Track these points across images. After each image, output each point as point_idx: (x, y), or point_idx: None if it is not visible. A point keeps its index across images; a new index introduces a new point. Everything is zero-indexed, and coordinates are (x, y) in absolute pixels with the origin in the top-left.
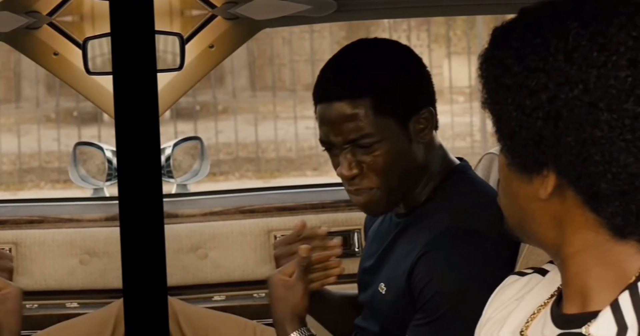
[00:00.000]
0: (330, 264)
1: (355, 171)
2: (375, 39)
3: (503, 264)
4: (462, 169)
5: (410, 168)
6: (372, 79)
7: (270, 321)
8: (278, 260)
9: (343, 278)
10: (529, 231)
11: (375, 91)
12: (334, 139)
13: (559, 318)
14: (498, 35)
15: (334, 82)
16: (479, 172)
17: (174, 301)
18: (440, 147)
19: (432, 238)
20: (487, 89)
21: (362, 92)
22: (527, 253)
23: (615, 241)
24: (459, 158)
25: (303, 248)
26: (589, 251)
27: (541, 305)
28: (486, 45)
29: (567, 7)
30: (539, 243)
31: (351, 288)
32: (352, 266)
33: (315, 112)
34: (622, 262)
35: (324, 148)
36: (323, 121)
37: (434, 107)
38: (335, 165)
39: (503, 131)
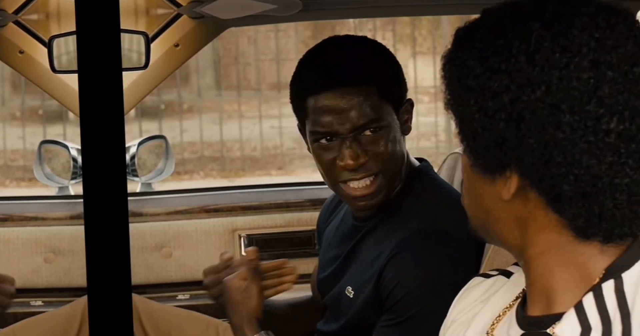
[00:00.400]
0: (284, 272)
1: (362, 160)
2: (351, 35)
3: (470, 265)
4: (424, 170)
5: (401, 159)
6: (375, 66)
7: None
8: (208, 289)
9: (306, 278)
10: (492, 231)
11: (379, 77)
12: (340, 128)
13: (524, 319)
14: (461, 37)
15: (335, 70)
16: (444, 172)
17: (136, 299)
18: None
19: (401, 240)
20: (449, 91)
21: (367, 77)
22: (492, 254)
23: (578, 242)
24: (419, 159)
25: (249, 250)
26: (552, 252)
27: (506, 307)
28: (449, 46)
29: (529, 8)
30: (503, 243)
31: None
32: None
33: (306, 105)
34: (586, 263)
35: (313, 141)
36: (325, 111)
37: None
38: (330, 158)
39: (466, 133)
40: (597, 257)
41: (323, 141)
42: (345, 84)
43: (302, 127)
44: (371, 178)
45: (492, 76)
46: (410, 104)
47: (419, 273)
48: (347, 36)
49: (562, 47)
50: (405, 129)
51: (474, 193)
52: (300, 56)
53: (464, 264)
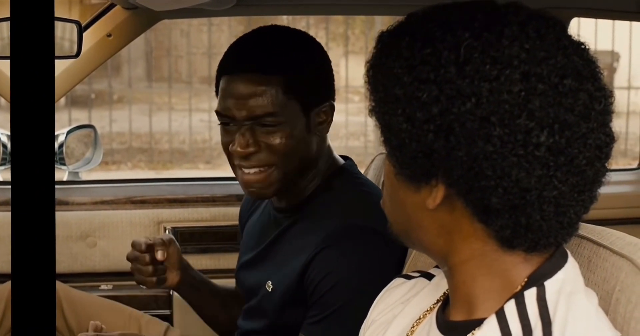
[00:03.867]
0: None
1: (251, 149)
2: (288, 27)
3: (395, 263)
4: (348, 168)
5: (304, 157)
6: (286, 57)
7: (156, 312)
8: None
9: (230, 273)
10: (415, 238)
11: (287, 70)
12: (237, 113)
13: (445, 324)
14: (386, 42)
15: (248, 55)
16: (371, 172)
17: (59, 287)
18: (329, 145)
19: (327, 235)
20: (375, 98)
21: (275, 68)
22: (417, 254)
23: (503, 251)
24: (344, 157)
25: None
26: (476, 260)
27: (427, 310)
28: (374, 51)
29: (457, 15)
30: (426, 250)
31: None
32: None
33: (218, 85)
34: (509, 271)
35: (219, 122)
36: (228, 93)
37: (334, 102)
38: (227, 141)
39: (392, 142)
40: (520, 265)
41: (224, 123)
42: (250, 70)
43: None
44: (262, 169)
45: (420, 86)
46: (331, 106)
47: (345, 268)
48: (280, 27)
49: (492, 58)
50: (320, 130)
51: (397, 199)
52: None
53: (390, 262)
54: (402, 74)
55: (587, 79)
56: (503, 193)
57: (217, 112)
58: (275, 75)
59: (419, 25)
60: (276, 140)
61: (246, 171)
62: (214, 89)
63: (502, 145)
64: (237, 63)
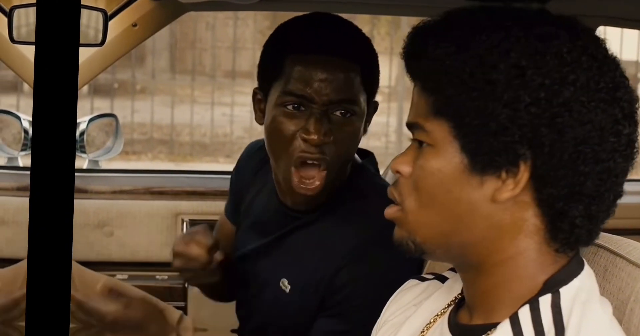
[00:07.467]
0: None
1: (329, 138)
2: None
3: (419, 267)
4: (369, 167)
5: (352, 157)
6: (363, 48)
7: (170, 304)
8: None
9: None
10: (455, 242)
11: (364, 60)
12: (316, 96)
13: (457, 327)
14: (458, 36)
15: (333, 38)
16: (390, 172)
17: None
18: None
19: (353, 248)
20: (452, 87)
21: (357, 57)
22: None
23: (541, 251)
24: (365, 151)
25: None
26: (516, 259)
27: (437, 314)
28: (436, 46)
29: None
30: (462, 254)
31: None
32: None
33: (283, 63)
34: (536, 274)
35: (284, 105)
36: (307, 74)
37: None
38: (290, 128)
39: (474, 127)
40: (543, 269)
41: (290, 107)
42: (333, 54)
43: (261, 92)
44: (325, 163)
45: (524, 72)
46: (376, 105)
47: (374, 283)
48: (334, 14)
49: (590, 55)
50: (365, 129)
51: (447, 199)
52: (258, 46)
53: (412, 272)
54: (496, 61)
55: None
56: (597, 178)
57: (285, 92)
58: (355, 63)
59: (491, 19)
60: (349, 132)
61: (308, 162)
62: (261, 74)
63: (601, 131)
64: (321, 43)
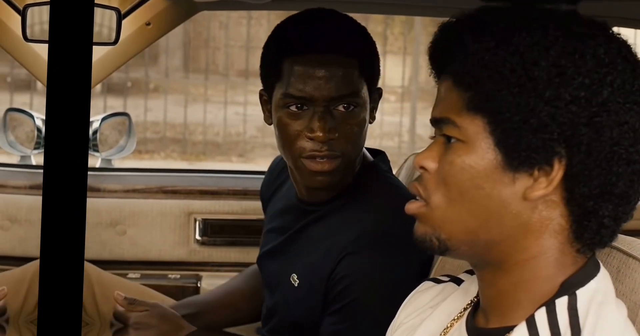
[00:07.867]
0: None
1: (334, 135)
2: (335, 10)
3: (420, 270)
4: (380, 165)
5: (362, 147)
6: (359, 40)
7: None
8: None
9: None
10: (481, 239)
11: (361, 52)
12: (316, 94)
13: (475, 330)
14: (498, 32)
15: (325, 36)
16: (403, 172)
17: (90, 269)
18: None
19: (356, 239)
20: (492, 82)
21: (353, 50)
22: (443, 258)
23: (564, 252)
24: (377, 151)
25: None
26: (539, 258)
27: (454, 318)
28: (474, 41)
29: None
30: (485, 252)
31: None
32: None
33: (282, 65)
34: (555, 274)
35: (287, 106)
36: (304, 74)
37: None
38: (295, 128)
39: (513, 124)
40: (563, 270)
41: (293, 107)
42: (329, 51)
43: (266, 93)
44: (334, 159)
45: (565, 70)
46: (380, 92)
47: (372, 277)
48: (328, 9)
49: (624, 57)
50: (372, 117)
51: (476, 196)
52: None
53: (416, 270)
54: (537, 58)
55: None
56: (628, 179)
57: (286, 94)
58: (353, 57)
59: (528, 18)
60: (352, 124)
61: (318, 159)
62: (263, 77)
63: (635, 132)
64: (310, 43)
